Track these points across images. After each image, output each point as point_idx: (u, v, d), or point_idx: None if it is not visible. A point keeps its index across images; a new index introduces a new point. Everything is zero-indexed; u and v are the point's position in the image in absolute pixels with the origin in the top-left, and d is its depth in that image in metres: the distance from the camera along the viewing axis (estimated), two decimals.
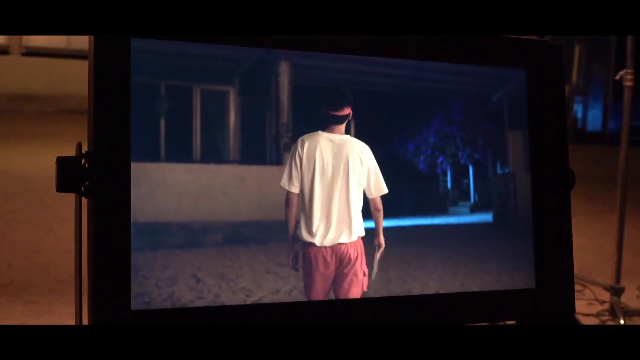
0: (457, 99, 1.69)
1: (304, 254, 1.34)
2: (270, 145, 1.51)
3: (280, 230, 1.52)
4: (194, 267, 1.46)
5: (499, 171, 1.70)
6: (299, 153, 1.31)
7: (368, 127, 1.54)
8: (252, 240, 1.50)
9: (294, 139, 1.50)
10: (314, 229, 1.31)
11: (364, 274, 1.31)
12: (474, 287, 1.64)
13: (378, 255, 1.39)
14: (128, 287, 1.40)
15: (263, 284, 1.49)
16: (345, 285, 1.28)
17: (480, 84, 1.71)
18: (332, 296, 1.52)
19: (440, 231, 1.67)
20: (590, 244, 7.35)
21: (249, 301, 1.47)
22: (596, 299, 5.25)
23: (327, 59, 1.57)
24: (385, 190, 1.41)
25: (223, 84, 1.50)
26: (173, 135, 1.45)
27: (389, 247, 1.58)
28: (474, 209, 1.69)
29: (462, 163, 1.69)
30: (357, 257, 1.32)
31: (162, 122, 1.44)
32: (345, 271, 1.29)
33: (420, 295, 1.58)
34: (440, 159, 1.67)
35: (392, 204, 1.59)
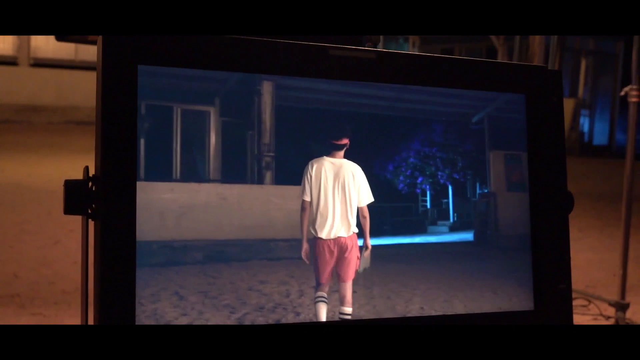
0: (438, 120, 1.71)
1: (314, 246, 1.63)
2: (251, 164, 1.54)
3: (261, 249, 1.54)
4: (177, 284, 1.47)
5: (478, 191, 1.72)
6: (309, 172, 1.62)
7: (350, 147, 1.63)
8: (234, 258, 1.52)
9: (276, 159, 1.56)
10: (322, 227, 1.63)
11: (357, 258, 1.65)
12: (457, 303, 1.66)
13: (366, 254, 1.66)
14: (133, 306, 1.42)
15: (247, 301, 1.51)
16: (344, 266, 1.64)
17: (461, 104, 1.73)
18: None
19: (422, 250, 1.70)
20: (596, 259, 7.33)
21: (233, 317, 1.49)
22: (601, 315, 5.24)
23: (310, 80, 1.59)
24: (368, 201, 1.66)
25: (204, 104, 1.52)
26: (153, 154, 1.47)
27: (371, 264, 1.62)
28: (453, 229, 1.72)
29: (442, 183, 1.72)
30: (352, 247, 1.65)
31: (142, 142, 1.45)
32: (344, 256, 1.64)
33: (415, 317, 1.62)
34: (419, 179, 1.70)
35: (372, 223, 1.63)
